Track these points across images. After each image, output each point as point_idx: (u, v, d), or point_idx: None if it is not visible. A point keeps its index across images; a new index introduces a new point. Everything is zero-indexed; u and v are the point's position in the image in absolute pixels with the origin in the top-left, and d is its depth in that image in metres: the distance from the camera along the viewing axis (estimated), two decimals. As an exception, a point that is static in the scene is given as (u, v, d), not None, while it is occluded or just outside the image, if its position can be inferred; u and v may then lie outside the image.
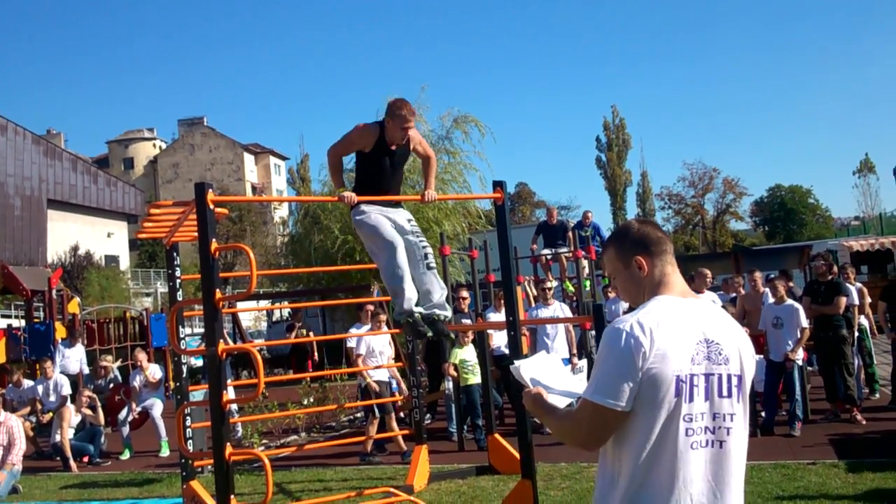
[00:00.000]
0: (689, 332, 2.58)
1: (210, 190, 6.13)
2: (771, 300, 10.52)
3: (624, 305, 11.60)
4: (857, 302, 11.21)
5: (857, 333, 11.17)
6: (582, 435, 2.62)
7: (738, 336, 2.69)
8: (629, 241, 2.81)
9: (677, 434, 2.51)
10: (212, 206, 6.11)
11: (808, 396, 10.64)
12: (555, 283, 13.53)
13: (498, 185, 7.21)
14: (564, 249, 16.21)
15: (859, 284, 12.06)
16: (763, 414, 10.28)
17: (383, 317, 10.91)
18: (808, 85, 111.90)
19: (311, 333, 16.45)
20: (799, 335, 10.09)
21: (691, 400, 2.53)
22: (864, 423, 10.12)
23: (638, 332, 2.52)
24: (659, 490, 2.53)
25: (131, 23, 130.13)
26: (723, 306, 11.01)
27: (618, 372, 2.51)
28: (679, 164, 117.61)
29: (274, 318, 30.28)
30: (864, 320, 11.66)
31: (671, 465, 2.52)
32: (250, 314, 36.69)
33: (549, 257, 16.61)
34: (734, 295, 12.41)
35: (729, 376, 2.60)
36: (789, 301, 10.34)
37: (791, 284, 12.36)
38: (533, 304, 12.82)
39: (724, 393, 2.58)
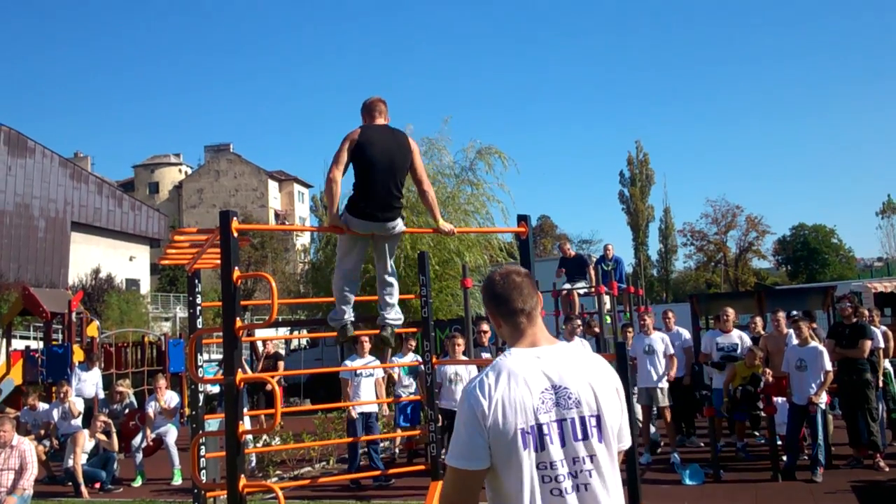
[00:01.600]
0: (533, 383, 2.64)
1: (234, 218, 6.09)
2: (795, 342, 10.36)
3: (650, 340, 11.47)
4: (882, 345, 11.03)
5: (881, 378, 10.99)
6: (453, 498, 2.70)
7: (593, 376, 2.72)
8: (486, 298, 2.93)
9: (535, 484, 2.57)
10: (236, 235, 6.07)
11: (830, 441, 10.47)
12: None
13: (522, 218, 7.16)
14: (580, 284, 15.89)
15: (884, 327, 11.85)
16: (785, 458, 10.12)
17: (367, 345, 11.03)
18: (833, 124, 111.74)
19: (280, 364, 16.34)
20: (823, 378, 9.93)
21: (543, 448, 2.59)
22: (887, 469, 9.94)
23: (477, 393, 2.63)
24: None
25: (161, 49, 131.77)
26: (750, 348, 10.84)
27: (467, 433, 2.62)
28: (702, 201, 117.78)
29: (292, 347, 30.24)
30: (888, 364, 11.44)
31: None
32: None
33: (567, 292, 16.38)
34: (754, 335, 12.22)
35: (583, 419, 2.65)
36: (813, 343, 10.18)
37: (815, 326, 12.18)
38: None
39: (580, 436, 2.63)
